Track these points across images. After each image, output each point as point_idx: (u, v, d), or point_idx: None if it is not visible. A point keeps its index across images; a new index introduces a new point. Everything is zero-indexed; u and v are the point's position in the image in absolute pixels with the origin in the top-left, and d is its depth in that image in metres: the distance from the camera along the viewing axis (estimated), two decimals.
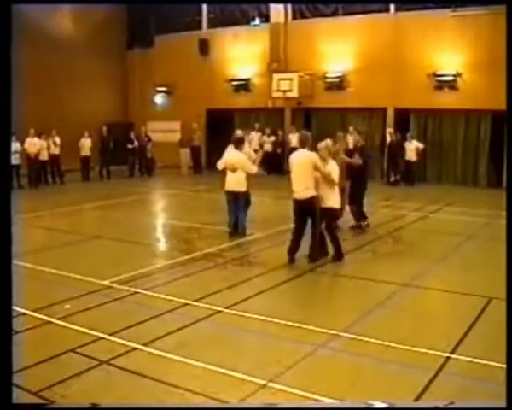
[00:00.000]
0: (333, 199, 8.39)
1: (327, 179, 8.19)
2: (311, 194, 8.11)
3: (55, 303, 6.47)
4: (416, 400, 4.32)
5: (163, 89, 24.20)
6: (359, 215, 10.80)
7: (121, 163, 20.88)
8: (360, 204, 10.77)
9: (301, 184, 8.12)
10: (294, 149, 20.25)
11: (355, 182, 10.52)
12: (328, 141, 8.66)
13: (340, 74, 19.88)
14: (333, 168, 8.32)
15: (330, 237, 8.50)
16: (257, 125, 20.24)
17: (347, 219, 10.76)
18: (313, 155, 8.18)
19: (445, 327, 6.12)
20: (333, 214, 8.56)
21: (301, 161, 8.18)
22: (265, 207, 9.47)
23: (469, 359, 5.03)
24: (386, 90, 18.74)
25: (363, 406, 4.21)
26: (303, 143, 8.34)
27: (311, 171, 8.06)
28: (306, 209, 8.21)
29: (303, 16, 21.06)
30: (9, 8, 3.99)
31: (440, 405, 4.13)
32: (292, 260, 8.31)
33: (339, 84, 19.94)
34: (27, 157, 17.30)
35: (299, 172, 8.15)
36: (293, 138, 20.53)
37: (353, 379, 4.73)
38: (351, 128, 16.77)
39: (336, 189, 8.44)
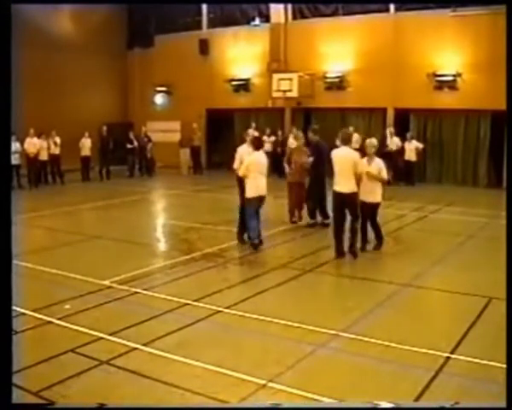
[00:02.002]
0: (378, 193, 8.91)
1: (368, 176, 8.72)
2: (352, 189, 8.54)
3: (55, 303, 6.47)
4: (416, 400, 4.32)
5: (163, 89, 24.19)
6: (314, 213, 11.01)
7: (121, 163, 20.88)
8: (316, 201, 10.95)
9: (344, 179, 8.53)
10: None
11: (311, 178, 11.05)
12: (374, 139, 9.24)
13: (339, 74, 19.86)
14: (378, 165, 8.84)
15: (375, 230, 9.10)
16: (253, 125, 20.13)
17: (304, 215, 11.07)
18: (355, 154, 8.67)
19: (445, 327, 6.12)
20: (376, 208, 9.00)
21: (345, 158, 8.58)
22: (265, 207, 9.48)
23: (469, 359, 5.03)
24: (386, 90, 18.72)
25: (369, 406, 4.19)
26: (345, 141, 8.72)
27: (353, 168, 8.50)
28: (347, 203, 8.60)
29: (303, 16, 21.05)
30: (9, 8, 3.99)
31: (447, 405, 4.12)
32: (340, 254, 8.65)
33: (339, 84, 19.92)
34: (27, 157, 17.31)
35: (343, 168, 8.55)
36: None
37: (353, 379, 4.73)
38: (351, 128, 16.76)
39: (379, 184, 8.92)
